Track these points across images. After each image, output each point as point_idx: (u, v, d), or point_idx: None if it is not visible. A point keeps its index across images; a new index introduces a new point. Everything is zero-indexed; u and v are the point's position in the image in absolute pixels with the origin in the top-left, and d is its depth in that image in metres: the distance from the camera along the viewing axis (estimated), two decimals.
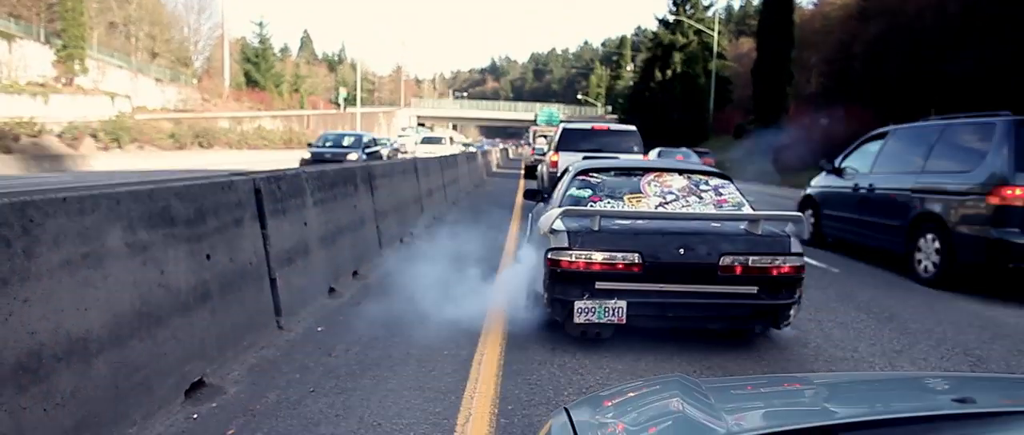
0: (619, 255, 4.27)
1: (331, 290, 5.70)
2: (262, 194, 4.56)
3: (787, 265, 4.36)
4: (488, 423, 3.31)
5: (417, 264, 6.73)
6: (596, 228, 4.34)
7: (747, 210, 5.04)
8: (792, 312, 4.50)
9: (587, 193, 5.19)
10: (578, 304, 4.25)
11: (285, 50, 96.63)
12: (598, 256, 4.27)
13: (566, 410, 1.29)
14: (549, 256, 4.34)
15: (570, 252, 4.28)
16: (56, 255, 2.60)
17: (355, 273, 6.43)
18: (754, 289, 4.36)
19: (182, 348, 3.35)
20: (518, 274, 5.19)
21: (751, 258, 4.33)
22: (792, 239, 4.48)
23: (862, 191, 8.69)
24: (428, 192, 11.38)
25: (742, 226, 4.59)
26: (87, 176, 19.81)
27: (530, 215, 6.94)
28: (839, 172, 9.43)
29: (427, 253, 7.36)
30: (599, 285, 4.29)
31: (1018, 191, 6.45)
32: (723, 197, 5.23)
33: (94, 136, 28.75)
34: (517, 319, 4.91)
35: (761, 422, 1.29)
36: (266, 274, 4.49)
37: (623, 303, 4.24)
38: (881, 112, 38.30)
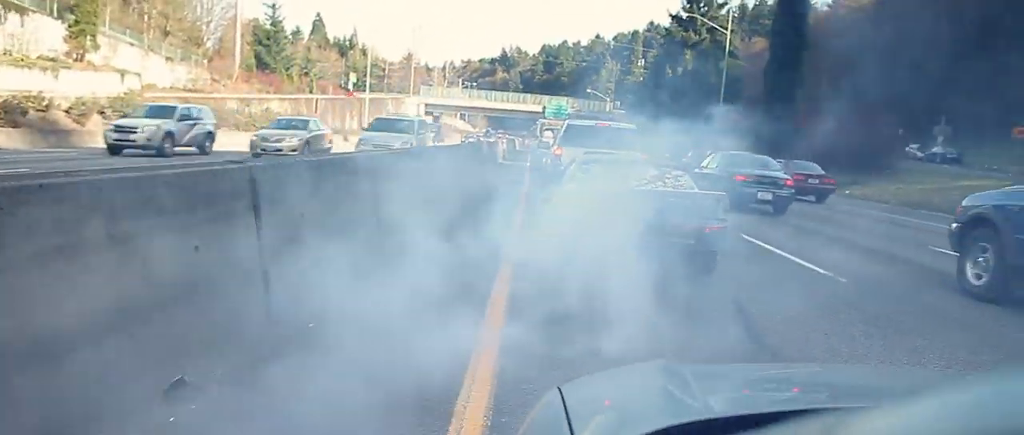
0: None
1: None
2: (258, 183, 4.42)
3: (716, 225, 6.81)
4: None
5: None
6: None
7: (694, 191, 7.67)
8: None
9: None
10: None
11: (297, 33, 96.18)
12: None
13: (559, 389, 1.40)
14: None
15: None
16: (28, 246, 2.47)
17: None
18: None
19: (164, 345, 3.22)
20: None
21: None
22: (719, 205, 6.97)
23: None
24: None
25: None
26: (93, 152, 19.71)
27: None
28: None
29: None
30: None
31: None
32: (681, 184, 7.78)
33: (102, 112, 28.63)
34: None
35: (735, 403, 1.46)
36: (257, 267, 4.35)
37: None
38: (892, 116, 38.09)
